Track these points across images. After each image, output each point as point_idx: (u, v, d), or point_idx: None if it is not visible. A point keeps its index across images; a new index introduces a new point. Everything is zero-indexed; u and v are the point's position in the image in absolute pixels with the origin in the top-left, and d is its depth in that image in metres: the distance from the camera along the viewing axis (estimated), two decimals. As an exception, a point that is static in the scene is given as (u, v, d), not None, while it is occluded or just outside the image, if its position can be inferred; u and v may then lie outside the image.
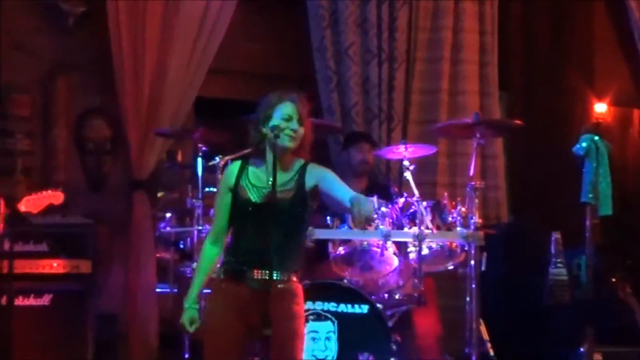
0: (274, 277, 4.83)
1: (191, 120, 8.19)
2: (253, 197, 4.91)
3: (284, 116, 4.89)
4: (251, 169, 4.99)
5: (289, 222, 4.94)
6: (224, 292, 4.92)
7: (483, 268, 6.75)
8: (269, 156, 4.89)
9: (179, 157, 8.41)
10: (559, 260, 7.21)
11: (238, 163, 5.05)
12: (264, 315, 4.74)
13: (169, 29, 7.60)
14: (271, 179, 4.76)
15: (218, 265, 5.04)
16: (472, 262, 6.72)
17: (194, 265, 5.21)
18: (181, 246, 7.18)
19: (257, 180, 4.95)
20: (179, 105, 7.70)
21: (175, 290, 7.54)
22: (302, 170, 4.99)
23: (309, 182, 4.96)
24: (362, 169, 7.67)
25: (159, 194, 7.91)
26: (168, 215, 7.29)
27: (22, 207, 5.34)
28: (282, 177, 4.90)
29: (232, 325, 4.86)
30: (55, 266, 6.86)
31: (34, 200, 5.39)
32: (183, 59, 7.67)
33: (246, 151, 5.21)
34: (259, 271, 4.85)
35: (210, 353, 4.93)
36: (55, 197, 5.50)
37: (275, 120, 4.87)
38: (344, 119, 8.26)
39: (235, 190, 4.95)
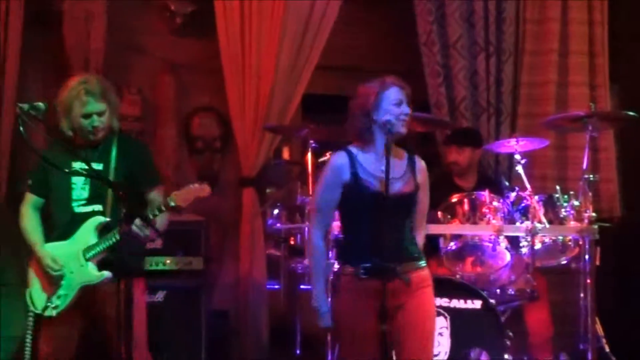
0: (410, 269, 4.84)
1: (299, 116, 8.21)
2: (377, 188, 4.83)
3: (395, 101, 4.87)
4: (362, 159, 4.90)
5: (411, 210, 4.95)
6: (365, 289, 4.80)
7: (597, 263, 6.65)
8: (380, 144, 4.87)
9: (286, 155, 8.45)
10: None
11: (344, 154, 4.94)
12: (399, 308, 4.77)
13: (276, 26, 7.63)
14: (383, 169, 4.74)
15: (337, 263, 4.97)
16: (587, 257, 6.61)
17: (310, 263, 5.04)
18: (291, 243, 7.20)
19: (375, 170, 4.87)
20: (287, 102, 7.73)
21: (284, 286, 7.58)
22: (412, 161, 4.99)
23: (418, 176, 5.00)
24: (453, 170, 7.58)
25: (268, 191, 7.94)
26: (276, 212, 7.32)
27: (172, 201, 5.41)
28: (398, 166, 4.86)
29: (374, 323, 4.71)
30: (169, 263, 6.94)
31: (182, 194, 5.46)
32: (291, 55, 7.69)
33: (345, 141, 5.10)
34: (403, 264, 4.80)
35: (357, 353, 4.82)
36: (203, 190, 5.56)
37: (388, 107, 4.85)
38: (452, 113, 8.19)
39: (353, 183, 4.86)
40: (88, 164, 5.16)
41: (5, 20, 6.83)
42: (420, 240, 5.05)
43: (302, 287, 7.13)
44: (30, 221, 5.56)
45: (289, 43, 7.70)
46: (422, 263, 4.96)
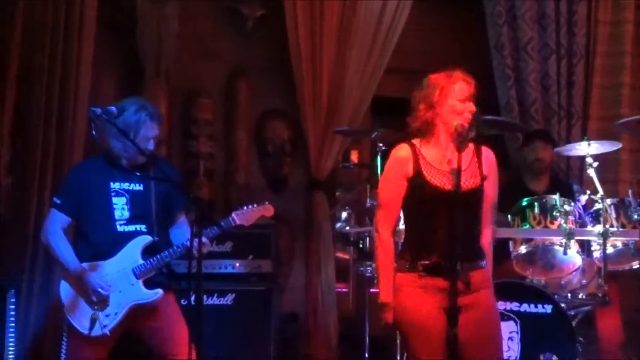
0: (473, 269, 4.76)
1: (368, 119, 8.22)
2: (440, 183, 4.76)
3: (460, 97, 4.77)
4: (425, 153, 4.80)
5: (478, 207, 4.85)
6: (427, 287, 4.75)
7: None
8: (443, 138, 4.78)
9: (354, 157, 8.46)
10: None
11: (407, 147, 4.83)
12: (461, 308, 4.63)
13: (346, 29, 7.67)
14: (447, 163, 4.72)
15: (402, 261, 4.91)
16: (659, 261, 6.53)
17: (377, 258, 4.98)
18: (360, 246, 7.20)
19: (439, 164, 4.78)
20: (357, 105, 7.76)
21: (353, 289, 7.59)
22: (479, 152, 4.89)
23: (485, 168, 4.87)
24: (537, 167, 7.55)
25: (337, 194, 7.96)
26: (345, 214, 7.33)
27: (235, 220, 5.55)
28: (463, 159, 4.67)
29: (437, 320, 4.69)
30: (238, 266, 6.98)
31: (245, 215, 5.60)
32: (361, 58, 7.71)
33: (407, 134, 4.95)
34: (465, 264, 4.69)
35: (428, 352, 4.72)
36: (267, 209, 5.68)
37: (453, 102, 4.76)
38: (522, 116, 8.15)
39: (416, 177, 4.77)
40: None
41: (79, 26, 6.92)
42: (486, 238, 4.92)
43: (371, 290, 7.14)
44: (61, 240, 5.56)
45: (360, 45, 7.73)
46: (483, 263, 4.85)
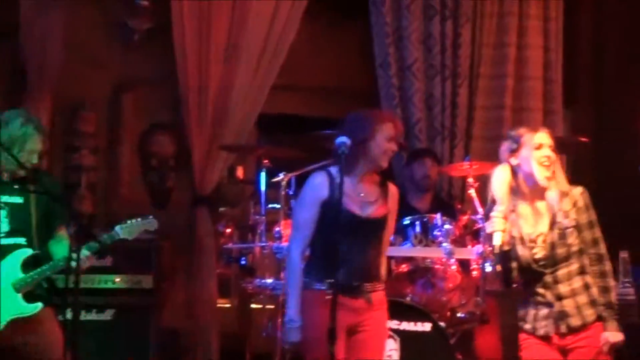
0: (375, 289, 5.10)
1: (254, 136, 8.21)
2: (352, 209, 5.03)
3: (388, 137, 5.09)
4: (342, 182, 4.95)
5: (381, 234, 5.18)
6: (332, 305, 4.85)
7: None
8: (360, 170, 5.10)
9: (240, 174, 8.43)
10: (626, 280, 7.10)
11: (324, 175, 5.11)
12: (359, 325, 5.01)
13: (234, 45, 7.63)
14: (360, 192, 5.09)
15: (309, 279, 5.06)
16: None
17: (286, 278, 5.22)
18: (243, 262, 7.18)
19: (352, 192, 5.06)
20: (243, 121, 7.73)
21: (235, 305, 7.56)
22: (385, 187, 5.23)
23: (390, 202, 5.24)
24: (425, 184, 7.63)
25: (221, 210, 7.92)
26: (229, 231, 7.31)
27: (117, 235, 5.51)
28: (373, 190, 5.12)
29: (341, 341, 4.92)
30: (118, 281, 6.89)
31: (129, 228, 5.56)
32: (248, 74, 7.69)
33: (325, 163, 5.41)
34: (368, 284, 5.04)
35: None
36: (151, 224, 5.66)
37: (381, 142, 5.07)
38: (406, 135, 8.20)
39: (331, 202, 5.01)
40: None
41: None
42: (385, 266, 5.30)
43: (252, 306, 7.13)
44: None
45: (247, 61, 7.70)
46: (382, 286, 5.19)
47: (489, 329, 7.06)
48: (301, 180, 6.97)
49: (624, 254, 7.18)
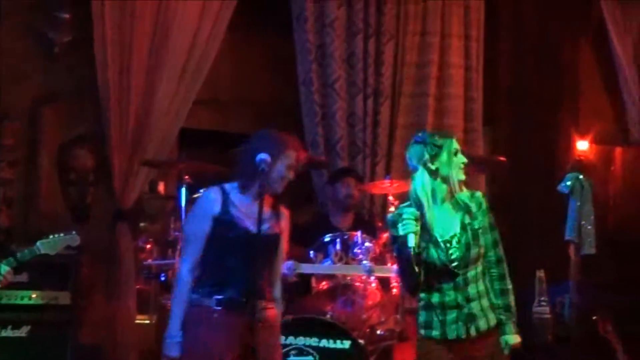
0: (266, 307, 5.01)
1: (175, 151, 8.16)
2: (246, 225, 4.98)
3: (288, 165, 5.04)
4: (234, 198, 5.02)
5: (274, 252, 5.11)
6: (220, 322, 4.91)
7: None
8: (255, 189, 5.00)
9: (161, 189, 8.39)
10: (542, 298, 7.19)
11: (217, 190, 5.06)
12: (253, 344, 4.83)
13: (156, 59, 7.58)
14: (254, 210, 4.92)
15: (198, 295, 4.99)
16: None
17: (172, 292, 5.07)
18: (162, 278, 7.13)
19: (246, 210, 5.01)
20: (164, 136, 7.67)
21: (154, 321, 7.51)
22: (278, 210, 5.16)
23: (282, 222, 5.17)
24: (348, 204, 7.66)
25: (142, 225, 7.86)
26: (149, 246, 7.26)
27: (39, 249, 5.42)
28: (266, 210, 5.02)
29: (226, 355, 4.89)
30: (34, 297, 6.79)
31: (51, 243, 5.48)
32: (170, 89, 7.64)
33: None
34: (257, 301, 4.91)
35: None
36: (72, 239, 5.59)
37: (281, 168, 5.02)
38: (328, 153, 8.25)
39: (223, 218, 4.97)
40: None
41: None
42: (278, 287, 5.23)
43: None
44: None
45: (169, 76, 7.66)
46: (273, 304, 5.13)
47: (408, 346, 7.09)
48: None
49: (540, 273, 7.28)
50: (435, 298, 4.91)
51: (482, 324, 4.90)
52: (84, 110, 7.86)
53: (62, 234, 5.63)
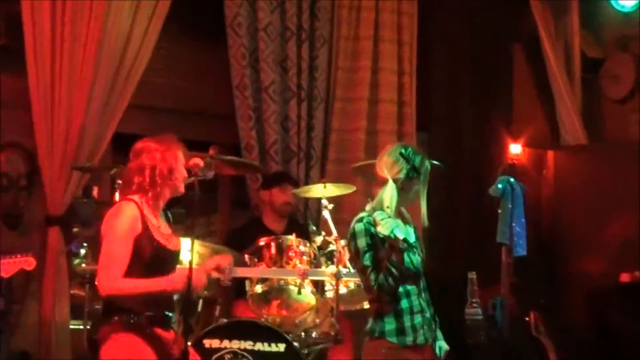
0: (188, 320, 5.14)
1: (109, 156, 8.11)
2: (161, 241, 5.04)
3: (182, 162, 5.11)
4: (146, 212, 5.04)
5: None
6: (152, 338, 4.97)
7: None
8: (160, 199, 5.11)
9: (95, 193, 8.31)
10: (474, 300, 7.26)
11: (134, 206, 5.03)
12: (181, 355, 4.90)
13: (87, 65, 7.51)
14: (159, 223, 5.09)
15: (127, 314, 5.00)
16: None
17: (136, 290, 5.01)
18: (96, 283, 7.07)
19: (156, 223, 5.07)
20: (97, 141, 7.60)
21: (89, 326, 7.44)
22: (167, 215, 5.26)
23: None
24: (285, 210, 7.69)
25: (75, 230, 7.80)
26: (83, 251, 7.20)
27: None
28: (163, 222, 5.16)
29: None
30: (-33, 304, 6.73)
31: (6, 264, 5.44)
32: (102, 94, 7.58)
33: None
34: (180, 316, 5.07)
35: None
36: (28, 262, 5.55)
37: (179, 168, 5.11)
38: (262, 157, 8.26)
39: (143, 235, 4.98)
40: None
41: None
42: None
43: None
44: None
45: (101, 81, 7.59)
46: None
47: (342, 349, 7.12)
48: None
49: (472, 275, 7.35)
50: (405, 303, 4.98)
51: (434, 329, 5.08)
52: (16, 115, 7.77)
53: (18, 256, 5.56)
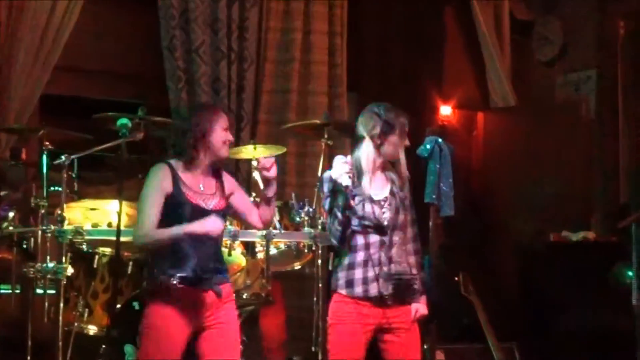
0: (224, 282, 5.15)
1: (36, 117, 8.02)
2: (197, 201, 5.08)
3: (224, 127, 5.17)
4: (182, 174, 5.10)
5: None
6: (181, 298, 5.00)
7: (330, 268, 6.81)
8: (202, 162, 5.14)
9: (24, 156, 8.22)
10: (402, 260, 7.29)
11: (166, 167, 5.10)
12: (210, 318, 5.07)
13: (14, 25, 7.42)
14: (201, 185, 5.12)
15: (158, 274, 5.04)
16: (320, 262, 6.76)
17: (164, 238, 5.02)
18: (24, 246, 7.02)
19: (194, 186, 5.11)
20: (24, 102, 7.54)
21: (18, 291, 7.38)
22: (221, 178, 5.27)
23: (226, 188, 5.26)
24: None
25: (2, 194, 7.71)
26: (11, 214, 7.12)
27: None
28: (211, 183, 5.18)
29: (184, 330, 5.03)
30: None
31: None
32: (29, 55, 7.50)
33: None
34: (216, 276, 5.08)
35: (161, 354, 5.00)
36: None
37: (220, 133, 5.15)
38: (192, 118, 8.20)
39: (175, 194, 5.04)
40: None
41: None
42: (258, 223, 5.43)
43: (38, 291, 6.99)
44: None
45: (28, 43, 7.52)
46: (228, 277, 5.26)
47: (274, 310, 7.16)
48: (85, 162, 6.93)
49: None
50: (360, 256, 5.11)
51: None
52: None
53: None
